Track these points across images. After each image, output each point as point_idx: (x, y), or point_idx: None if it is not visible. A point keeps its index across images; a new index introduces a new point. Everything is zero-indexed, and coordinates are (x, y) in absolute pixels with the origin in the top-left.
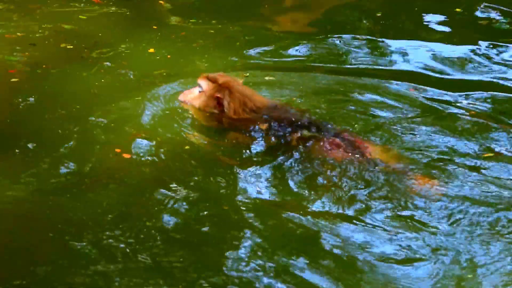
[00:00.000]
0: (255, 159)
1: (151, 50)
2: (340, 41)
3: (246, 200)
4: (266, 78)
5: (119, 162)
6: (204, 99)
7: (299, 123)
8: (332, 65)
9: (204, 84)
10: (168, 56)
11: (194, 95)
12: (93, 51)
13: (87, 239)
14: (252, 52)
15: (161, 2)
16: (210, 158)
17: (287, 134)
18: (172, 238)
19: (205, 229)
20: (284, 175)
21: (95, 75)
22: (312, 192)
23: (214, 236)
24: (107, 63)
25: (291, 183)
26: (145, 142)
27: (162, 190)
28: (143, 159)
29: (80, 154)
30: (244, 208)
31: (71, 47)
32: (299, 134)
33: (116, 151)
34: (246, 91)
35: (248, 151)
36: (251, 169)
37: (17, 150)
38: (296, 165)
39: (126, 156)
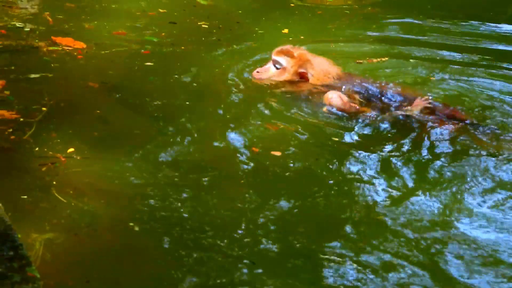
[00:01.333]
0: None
1: (285, 30)
2: None
3: None
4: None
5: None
6: (287, 75)
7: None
8: None
9: (283, 60)
10: (302, 37)
11: (272, 72)
12: (228, 31)
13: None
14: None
15: None
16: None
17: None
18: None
19: None
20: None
21: (224, 57)
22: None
23: None
24: (237, 46)
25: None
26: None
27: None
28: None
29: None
30: None
31: (207, 26)
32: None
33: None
34: (323, 60)
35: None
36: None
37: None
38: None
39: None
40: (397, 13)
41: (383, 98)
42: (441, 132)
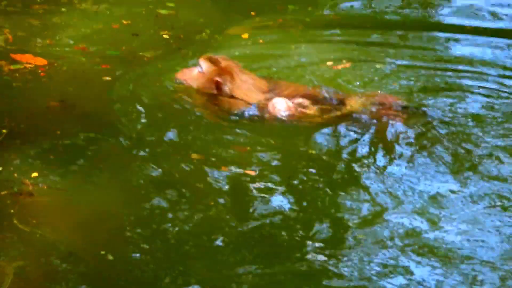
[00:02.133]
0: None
1: (245, 35)
2: None
3: None
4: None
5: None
6: (203, 81)
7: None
8: None
9: (204, 65)
10: (261, 41)
11: (193, 75)
12: (190, 40)
13: None
14: None
15: None
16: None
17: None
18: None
19: None
20: None
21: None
22: None
23: None
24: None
25: None
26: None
27: None
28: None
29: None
30: None
31: (167, 36)
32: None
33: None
34: (248, 77)
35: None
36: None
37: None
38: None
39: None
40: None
41: (322, 99)
42: (395, 128)
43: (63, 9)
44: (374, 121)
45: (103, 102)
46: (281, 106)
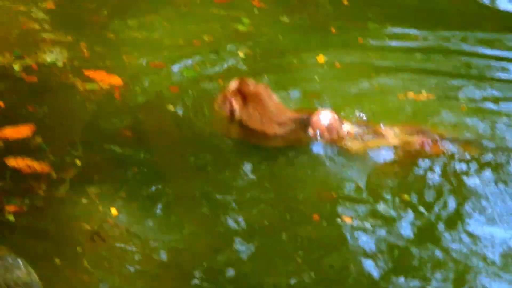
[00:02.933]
0: None
1: (321, 59)
2: None
3: None
4: None
5: None
6: (221, 98)
7: None
8: None
9: (232, 85)
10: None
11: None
12: (266, 61)
13: None
14: None
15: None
16: None
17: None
18: None
19: None
20: None
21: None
22: None
23: None
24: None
25: None
26: None
27: None
28: None
29: None
30: None
31: (245, 56)
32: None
33: None
34: (273, 107)
35: None
36: None
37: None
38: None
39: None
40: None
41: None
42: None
43: (143, 23)
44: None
45: (175, 135)
46: (325, 116)
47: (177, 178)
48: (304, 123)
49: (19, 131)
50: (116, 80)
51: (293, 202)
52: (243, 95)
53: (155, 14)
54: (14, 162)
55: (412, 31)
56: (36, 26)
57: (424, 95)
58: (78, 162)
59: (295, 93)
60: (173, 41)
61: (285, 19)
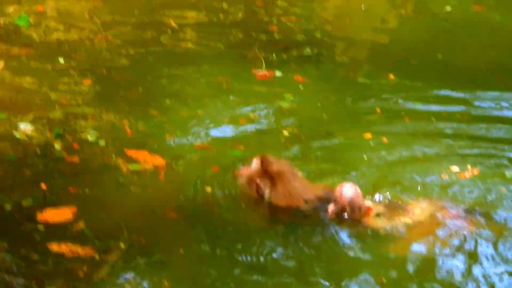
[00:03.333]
0: None
1: (368, 135)
2: None
3: None
4: None
5: None
6: (243, 178)
7: None
8: None
9: (254, 164)
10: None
11: (244, 173)
12: (310, 139)
13: None
14: None
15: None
16: None
17: None
18: None
19: None
20: None
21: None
22: None
23: None
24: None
25: None
26: None
27: None
28: None
29: None
30: None
31: (288, 134)
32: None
33: None
34: (298, 184)
35: None
36: None
37: None
38: None
39: None
40: None
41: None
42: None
43: (184, 100)
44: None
45: (216, 216)
46: (349, 189)
47: (221, 259)
48: (327, 199)
49: (61, 214)
50: (160, 161)
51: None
52: (270, 176)
53: (195, 91)
54: (57, 247)
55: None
56: (76, 104)
57: (468, 170)
58: (122, 245)
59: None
60: (217, 120)
61: (329, 96)
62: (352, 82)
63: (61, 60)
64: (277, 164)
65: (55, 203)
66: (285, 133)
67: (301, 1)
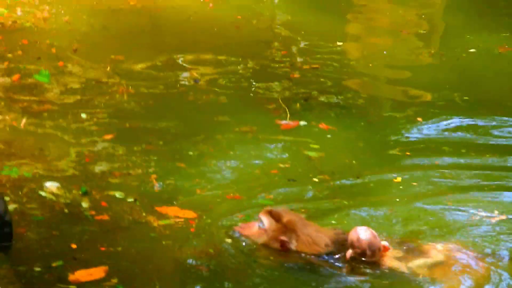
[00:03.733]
0: None
1: (398, 179)
2: None
3: None
4: None
5: None
6: (265, 239)
7: None
8: None
9: (266, 221)
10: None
11: (254, 231)
12: (342, 186)
13: None
14: None
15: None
16: None
17: None
18: None
19: None
20: None
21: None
22: None
23: None
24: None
25: None
26: None
27: None
28: None
29: None
30: None
31: (318, 181)
32: None
33: None
34: (312, 229)
35: None
36: None
37: None
38: None
39: None
40: None
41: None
42: None
43: (208, 152)
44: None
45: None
46: (364, 233)
47: None
48: (341, 242)
49: (93, 274)
50: (191, 215)
51: None
52: (288, 228)
53: (220, 141)
54: None
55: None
56: (100, 159)
57: (495, 216)
58: None
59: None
60: (247, 170)
61: (356, 142)
62: (378, 127)
63: (83, 115)
64: (286, 214)
65: (87, 263)
66: (316, 180)
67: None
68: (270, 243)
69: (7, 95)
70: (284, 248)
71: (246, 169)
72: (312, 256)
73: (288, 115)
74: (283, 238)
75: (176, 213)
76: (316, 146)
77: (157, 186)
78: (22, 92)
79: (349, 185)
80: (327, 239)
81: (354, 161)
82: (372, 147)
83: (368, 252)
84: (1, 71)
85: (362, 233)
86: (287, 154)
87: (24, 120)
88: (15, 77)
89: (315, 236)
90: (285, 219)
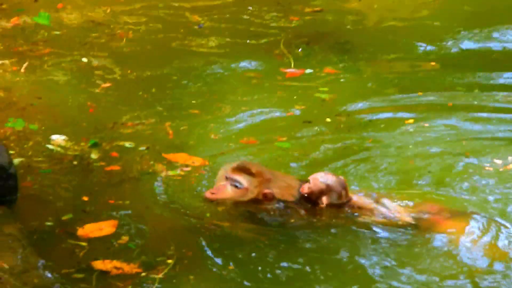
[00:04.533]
0: None
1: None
2: None
3: None
4: None
5: None
6: (251, 195)
7: None
8: None
9: (243, 180)
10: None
11: (231, 192)
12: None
13: None
14: None
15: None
16: None
17: None
18: None
19: None
20: None
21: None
22: None
23: None
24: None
25: None
26: None
27: None
28: None
29: None
30: None
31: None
32: None
33: None
34: (279, 174)
35: None
36: None
37: None
38: None
39: None
40: None
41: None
42: None
43: (223, 99)
44: None
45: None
46: (324, 177)
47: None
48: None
49: (102, 229)
50: (200, 162)
51: None
52: (265, 179)
53: (228, 88)
54: (101, 265)
55: None
56: (106, 109)
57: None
58: (169, 260)
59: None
60: (259, 114)
61: (367, 84)
62: (389, 71)
63: (84, 59)
64: (252, 166)
65: (96, 217)
66: (328, 120)
67: None
68: (256, 198)
69: (5, 39)
70: (268, 199)
71: (257, 114)
72: (289, 201)
73: (292, 63)
74: (267, 190)
75: (185, 161)
76: (325, 89)
77: (171, 133)
78: (22, 35)
79: (361, 127)
80: (296, 182)
81: (367, 103)
82: (385, 90)
83: (326, 195)
84: None
85: (320, 176)
86: (296, 97)
87: (25, 65)
88: (14, 19)
89: (288, 180)
90: (255, 171)
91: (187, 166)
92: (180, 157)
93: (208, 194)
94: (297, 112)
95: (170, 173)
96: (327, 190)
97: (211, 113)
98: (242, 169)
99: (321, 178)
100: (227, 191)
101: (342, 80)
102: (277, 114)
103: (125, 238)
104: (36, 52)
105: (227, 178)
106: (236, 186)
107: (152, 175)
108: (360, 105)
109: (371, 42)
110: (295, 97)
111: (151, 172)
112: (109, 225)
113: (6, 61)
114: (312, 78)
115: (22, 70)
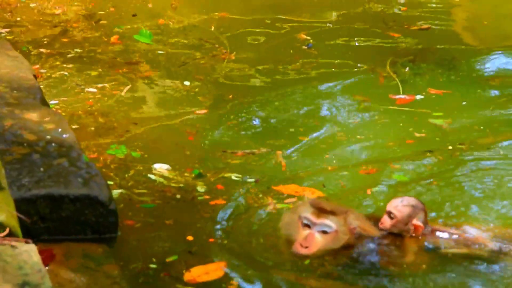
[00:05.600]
0: None
1: None
2: None
3: None
4: None
5: None
6: (346, 237)
7: None
8: None
9: (331, 222)
10: None
11: (321, 241)
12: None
13: None
14: None
15: None
16: None
17: None
18: None
19: None
20: None
21: None
22: None
23: None
24: None
25: None
26: None
27: None
28: None
29: None
30: None
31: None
32: None
33: None
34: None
35: None
36: None
37: None
38: None
39: None
40: None
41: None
42: None
43: (335, 124)
44: None
45: None
46: (401, 201)
47: None
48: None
49: (210, 272)
50: (316, 193)
51: None
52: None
53: (335, 111)
54: None
55: None
56: (208, 136)
57: None
58: None
59: None
60: (377, 142)
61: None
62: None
63: (186, 83)
64: (326, 205)
65: (201, 258)
66: (450, 148)
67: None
68: (347, 238)
69: (105, 59)
70: (356, 235)
71: (375, 141)
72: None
73: (401, 89)
74: (353, 226)
75: (297, 192)
76: (439, 114)
77: (283, 165)
78: (122, 55)
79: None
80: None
81: (482, 127)
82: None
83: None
84: (98, 31)
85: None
86: (412, 124)
87: (126, 88)
88: (114, 38)
89: (363, 218)
90: (330, 209)
91: (297, 197)
92: (290, 189)
93: (300, 250)
94: (414, 140)
95: (280, 206)
96: (414, 211)
97: (322, 141)
98: (322, 210)
99: (402, 202)
100: (317, 240)
101: (454, 102)
102: (391, 143)
103: (234, 283)
104: (138, 74)
105: (307, 225)
106: (324, 232)
107: (260, 208)
108: (480, 130)
109: (479, 60)
110: (408, 124)
111: (259, 207)
112: (217, 267)
113: (106, 85)
114: (423, 102)
115: (123, 93)
